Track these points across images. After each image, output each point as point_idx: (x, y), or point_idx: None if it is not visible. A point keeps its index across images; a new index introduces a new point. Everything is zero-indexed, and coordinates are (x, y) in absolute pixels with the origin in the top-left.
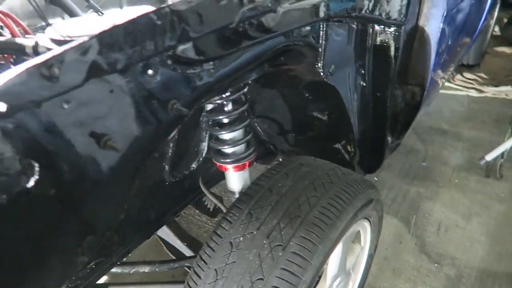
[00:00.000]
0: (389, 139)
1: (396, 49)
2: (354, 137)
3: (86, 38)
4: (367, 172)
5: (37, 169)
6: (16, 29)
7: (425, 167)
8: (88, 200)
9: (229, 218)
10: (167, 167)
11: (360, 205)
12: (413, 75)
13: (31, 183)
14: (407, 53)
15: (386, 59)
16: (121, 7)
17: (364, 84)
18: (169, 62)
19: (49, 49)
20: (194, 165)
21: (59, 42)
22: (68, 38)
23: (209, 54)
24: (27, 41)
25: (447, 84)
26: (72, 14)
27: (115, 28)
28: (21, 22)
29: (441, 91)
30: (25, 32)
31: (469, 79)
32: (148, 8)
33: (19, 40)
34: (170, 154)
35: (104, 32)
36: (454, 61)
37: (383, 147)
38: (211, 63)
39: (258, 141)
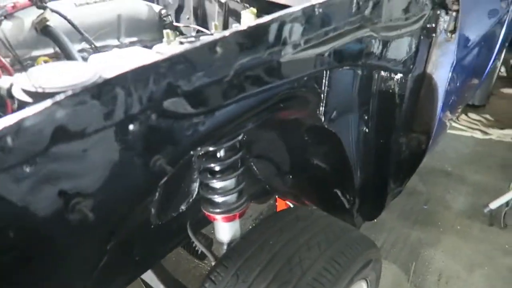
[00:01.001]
0: (391, 186)
1: (402, 96)
2: (355, 185)
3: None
4: (367, 219)
5: None
6: None
7: (427, 211)
8: (56, 264)
9: (213, 278)
10: (153, 211)
11: (358, 267)
12: (419, 122)
13: None
14: (413, 100)
15: (391, 106)
16: (118, 38)
17: (367, 131)
18: (153, 116)
19: (19, 101)
20: (183, 207)
21: (31, 93)
22: (40, 90)
23: (199, 107)
24: (2, 82)
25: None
26: (62, 47)
27: (86, 89)
28: (1, 59)
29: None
30: (5, 70)
31: (474, 119)
32: (139, 51)
33: None
34: (157, 197)
35: (73, 94)
36: (461, 105)
37: (385, 195)
38: (201, 116)
39: (253, 180)
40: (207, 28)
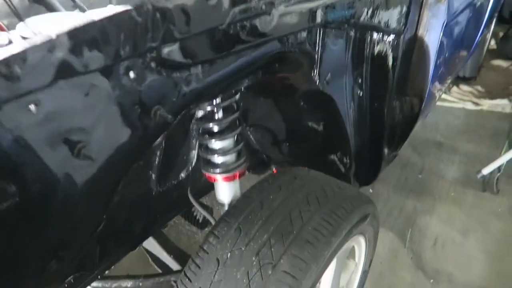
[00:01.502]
0: (386, 151)
1: (395, 58)
2: (350, 149)
3: (55, 34)
4: (362, 184)
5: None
6: None
7: (422, 180)
8: (58, 214)
9: (216, 233)
10: (153, 176)
11: (356, 220)
12: (412, 85)
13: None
14: (406, 63)
15: (385, 69)
16: (111, 2)
17: (362, 94)
18: (152, 64)
19: None
20: (183, 175)
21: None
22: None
23: (197, 57)
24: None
25: (443, 96)
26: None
27: (89, 24)
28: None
29: (437, 103)
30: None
31: (466, 91)
32: None
33: None
34: (156, 162)
35: (76, 28)
36: (452, 74)
37: (380, 159)
38: (199, 67)
39: (251, 151)
40: None
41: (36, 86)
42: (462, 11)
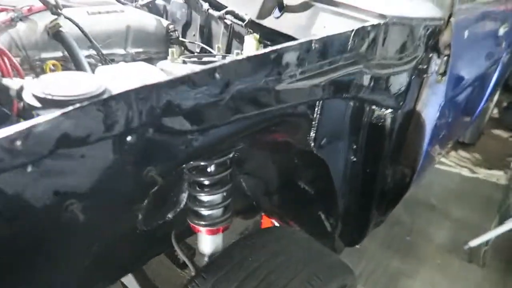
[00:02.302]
0: (375, 214)
1: (391, 130)
2: (338, 210)
3: (57, 114)
4: (348, 245)
5: None
6: (8, 67)
7: (409, 242)
8: (43, 264)
9: None
10: (140, 216)
11: None
12: (405, 156)
13: None
14: (401, 134)
15: (380, 138)
16: (125, 48)
17: (355, 160)
18: (150, 131)
19: (28, 104)
20: (170, 215)
21: (39, 99)
22: (49, 97)
23: (194, 125)
24: (13, 84)
25: (441, 159)
26: (71, 52)
27: (91, 104)
28: (14, 60)
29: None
30: (16, 71)
31: (463, 157)
32: (144, 66)
33: (5, 81)
34: (145, 204)
35: (78, 108)
36: (449, 141)
37: (368, 222)
38: (195, 134)
39: (242, 196)
40: (211, 46)
41: (34, 158)
42: (464, 88)
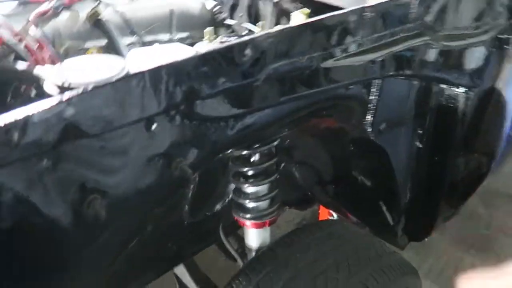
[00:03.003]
0: (444, 208)
1: (464, 112)
2: (400, 203)
3: (58, 100)
4: (413, 240)
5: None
6: (42, 55)
7: (485, 236)
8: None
9: (234, 286)
10: (186, 207)
11: None
12: (482, 142)
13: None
14: (477, 117)
15: (451, 122)
16: (170, 33)
17: (421, 146)
18: (177, 117)
19: (47, 94)
20: (218, 207)
21: (58, 87)
22: (66, 84)
23: (225, 111)
24: (44, 72)
25: None
26: (111, 40)
27: (105, 86)
28: (52, 50)
29: None
30: (54, 60)
31: None
32: (179, 47)
33: (36, 71)
34: (190, 195)
35: (90, 90)
36: None
37: (435, 216)
38: (229, 120)
39: (295, 186)
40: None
41: (37, 150)
42: None
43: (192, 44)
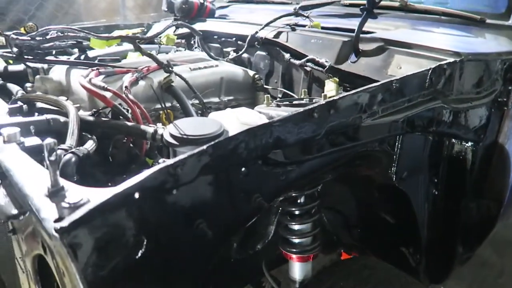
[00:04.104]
0: (460, 250)
1: (473, 162)
2: (422, 244)
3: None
4: (433, 282)
5: (144, 243)
6: (139, 116)
7: (500, 285)
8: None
9: None
10: (235, 245)
11: None
12: (490, 189)
13: (138, 254)
14: (484, 167)
15: (461, 171)
16: (219, 97)
17: (437, 193)
18: (259, 162)
19: (169, 143)
20: (259, 246)
21: (176, 138)
22: (184, 136)
23: (294, 158)
24: (149, 129)
25: None
26: (181, 102)
27: (227, 139)
28: (144, 109)
29: None
30: (146, 119)
31: None
32: (246, 110)
33: (143, 127)
34: (240, 233)
35: (218, 142)
36: None
37: (453, 258)
38: (294, 165)
39: (322, 230)
40: (292, 92)
41: (184, 181)
42: None
43: (235, 106)
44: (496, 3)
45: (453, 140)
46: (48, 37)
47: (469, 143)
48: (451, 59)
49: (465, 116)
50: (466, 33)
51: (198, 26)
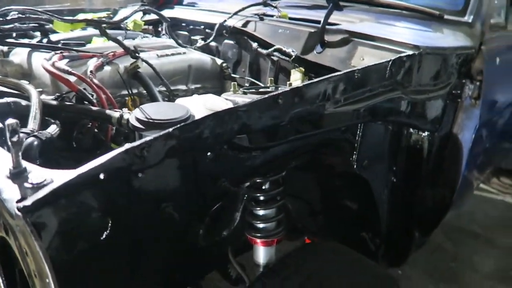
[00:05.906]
0: (417, 235)
1: (429, 152)
2: (381, 230)
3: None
4: (390, 266)
5: (109, 225)
6: (105, 101)
7: (453, 269)
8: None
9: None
10: (201, 231)
11: None
12: (444, 178)
13: (103, 236)
14: (439, 156)
15: (418, 160)
16: (187, 84)
17: (395, 180)
18: (225, 147)
19: (135, 127)
20: (225, 233)
21: (142, 122)
22: (150, 120)
23: (259, 143)
24: (114, 114)
25: (482, 186)
26: (147, 89)
27: (193, 123)
28: (110, 94)
29: (475, 192)
30: (111, 103)
31: (506, 184)
32: (213, 97)
33: (108, 111)
34: (207, 220)
35: (184, 126)
36: (490, 166)
37: (410, 243)
38: (259, 151)
39: (287, 218)
40: (259, 80)
41: (151, 163)
42: (500, 112)
43: (203, 94)
44: (454, 0)
45: (411, 130)
46: (8, 18)
47: (426, 133)
48: (410, 52)
49: (423, 107)
50: (425, 28)
51: (166, 13)
